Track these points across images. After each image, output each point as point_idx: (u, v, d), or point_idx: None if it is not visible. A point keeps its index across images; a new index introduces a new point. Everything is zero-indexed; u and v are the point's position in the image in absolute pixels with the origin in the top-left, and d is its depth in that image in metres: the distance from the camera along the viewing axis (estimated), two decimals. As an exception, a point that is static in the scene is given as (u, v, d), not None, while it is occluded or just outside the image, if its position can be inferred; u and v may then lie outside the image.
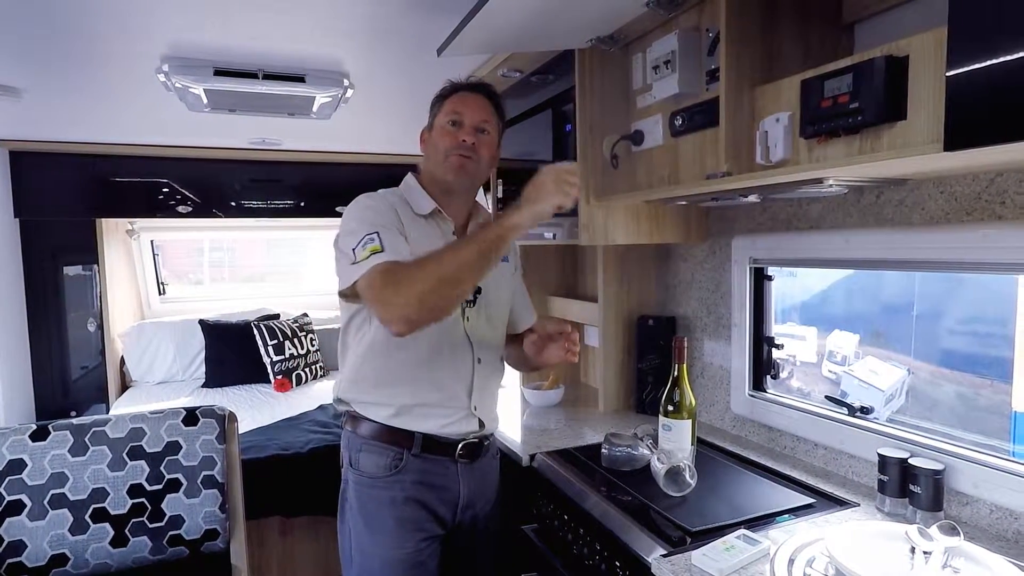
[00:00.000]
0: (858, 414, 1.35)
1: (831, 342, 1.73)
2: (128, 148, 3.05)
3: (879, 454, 1.19)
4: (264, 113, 2.24)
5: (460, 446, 1.34)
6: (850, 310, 1.71)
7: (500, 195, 2.13)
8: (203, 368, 3.58)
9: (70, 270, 3.20)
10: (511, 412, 2.06)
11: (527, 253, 2.28)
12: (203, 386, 3.47)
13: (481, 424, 1.38)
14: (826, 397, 1.45)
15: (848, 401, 1.39)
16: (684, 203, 1.52)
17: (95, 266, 3.24)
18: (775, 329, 1.63)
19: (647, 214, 1.61)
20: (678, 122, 1.38)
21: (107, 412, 3.18)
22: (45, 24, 1.50)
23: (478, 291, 1.37)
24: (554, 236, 1.76)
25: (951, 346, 1.46)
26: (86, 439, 1.64)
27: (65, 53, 1.70)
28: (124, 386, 3.59)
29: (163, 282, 4.17)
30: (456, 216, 1.38)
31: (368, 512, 1.33)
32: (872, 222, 1.28)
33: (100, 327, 3.29)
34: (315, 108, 2.17)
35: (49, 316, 3.13)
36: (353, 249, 1.19)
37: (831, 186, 1.08)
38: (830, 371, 1.73)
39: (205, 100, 2.02)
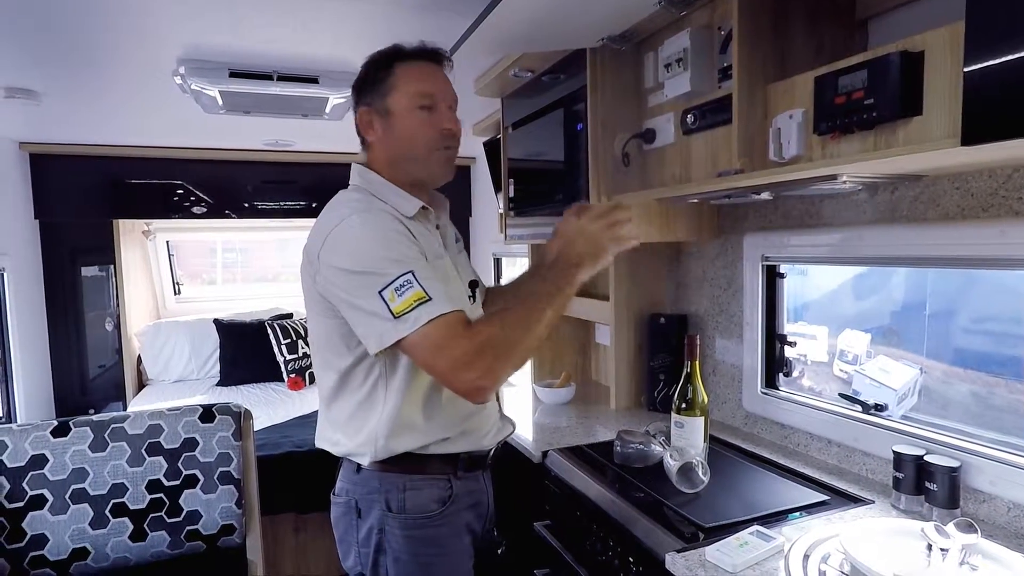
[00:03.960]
0: (872, 411, 1.35)
1: (842, 341, 1.72)
2: (144, 150, 3.10)
3: (894, 451, 1.18)
4: (278, 114, 2.27)
5: (490, 456, 1.26)
6: (862, 309, 1.70)
7: (512, 195, 2.13)
8: (218, 367, 3.62)
9: (88, 271, 3.25)
10: (523, 410, 2.06)
11: (538, 251, 2.29)
12: (218, 384, 3.52)
13: (512, 425, 1.33)
14: (840, 395, 1.44)
15: (862, 398, 1.38)
16: (696, 201, 1.52)
17: (112, 266, 3.29)
18: (786, 328, 1.63)
19: (658, 212, 1.61)
20: (690, 120, 1.38)
21: (124, 410, 3.23)
22: (61, 27, 1.53)
23: (475, 284, 1.28)
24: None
25: (964, 345, 1.45)
26: (106, 435, 1.67)
27: (82, 56, 1.74)
28: (141, 384, 3.65)
29: (178, 282, 4.23)
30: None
31: (422, 556, 1.15)
32: (886, 219, 1.28)
33: (117, 326, 3.34)
34: (328, 109, 2.19)
35: (68, 316, 3.19)
36: (381, 293, 0.98)
37: (845, 183, 1.08)
38: (841, 370, 1.72)
39: (220, 102, 2.05)
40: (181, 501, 1.71)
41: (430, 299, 0.97)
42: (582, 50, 1.60)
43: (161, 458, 1.71)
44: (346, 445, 1.16)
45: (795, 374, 1.63)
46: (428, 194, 1.23)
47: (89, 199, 3.14)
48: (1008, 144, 0.73)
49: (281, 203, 3.48)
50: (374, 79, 1.16)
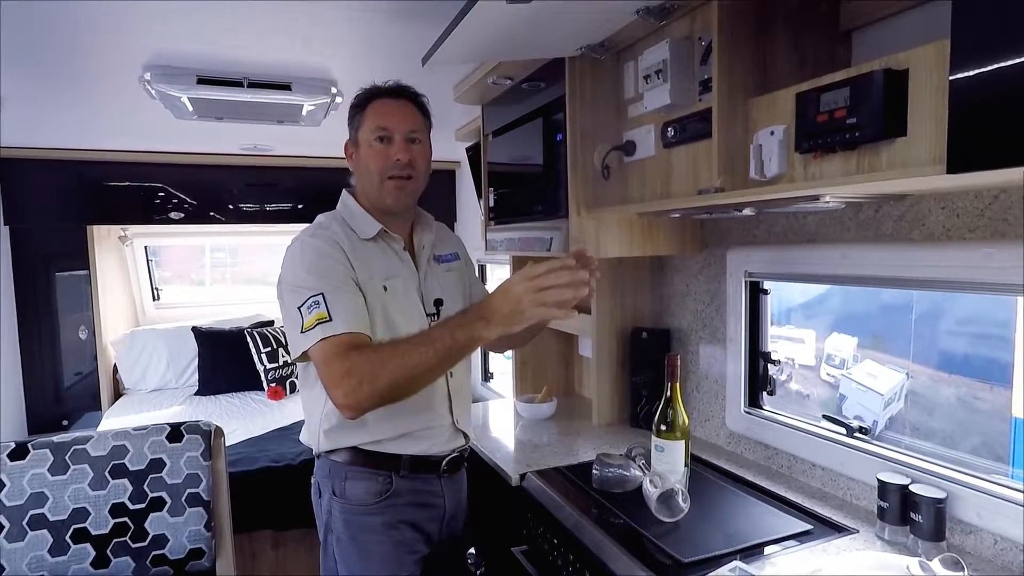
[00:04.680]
0: (856, 434, 1.31)
1: (829, 345, 1.69)
2: (121, 154, 3.02)
3: (879, 480, 1.14)
4: (252, 121, 2.21)
5: (445, 462, 1.33)
6: (848, 312, 1.67)
7: (492, 203, 2.08)
8: (196, 376, 3.54)
9: (61, 277, 3.17)
10: (503, 426, 2.02)
11: (520, 264, 2.24)
12: (196, 394, 3.44)
13: (465, 437, 1.38)
14: (823, 416, 1.40)
15: (846, 420, 1.34)
16: (678, 215, 1.48)
17: (87, 273, 3.21)
18: (773, 331, 1.59)
19: (640, 226, 1.57)
20: (670, 133, 1.34)
21: (100, 420, 3.15)
22: (23, 30, 1.46)
23: (440, 303, 1.33)
24: (548, 248, 1.71)
25: (950, 349, 1.42)
26: (66, 457, 1.60)
27: (46, 60, 1.66)
28: (117, 394, 3.56)
29: (157, 287, 4.14)
30: (401, 231, 1.33)
31: (360, 541, 1.28)
32: (870, 237, 1.24)
33: (92, 334, 3.26)
34: (303, 115, 2.13)
35: (40, 324, 3.10)
36: (299, 308, 1.13)
37: (828, 202, 1.04)
38: (828, 374, 1.70)
39: (191, 108, 1.99)
40: (147, 525, 1.64)
41: (330, 320, 1.11)
42: (562, 59, 1.55)
43: (126, 480, 1.64)
44: (306, 435, 1.36)
45: (782, 378, 1.60)
46: (403, 217, 1.34)
47: (63, 204, 3.06)
48: (993, 172, 0.69)
49: (266, 206, 3.42)
50: (353, 116, 1.31)
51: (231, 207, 3.34)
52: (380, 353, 1.08)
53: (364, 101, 1.29)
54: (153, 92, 1.81)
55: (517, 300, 1.00)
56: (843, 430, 1.33)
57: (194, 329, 3.57)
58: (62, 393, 3.21)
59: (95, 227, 3.22)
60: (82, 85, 1.89)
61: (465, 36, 1.28)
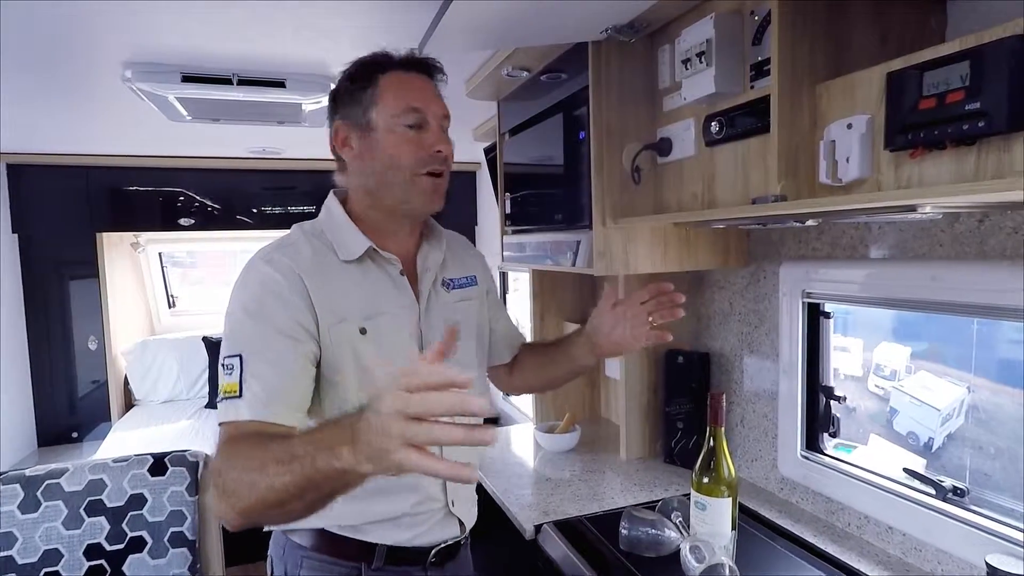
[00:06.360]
0: (950, 497, 1.06)
1: (879, 355, 1.48)
2: (132, 159, 2.93)
3: (988, 564, 0.90)
4: (251, 122, 2.05)
5: (432, 553, 1.06)
6: (900, 317, 1.44)
7: (508, 211, 1.88)
8: (208, 387, 3.43)
9: (71, 286, 3.09)
10: (520, 459, 1.81)
11: (540, 276, 2.04)
12: (207, 406, 3.33)
13: (461, 527, 1.10)
14: (905, 470, 1.16)
15: (936, 479, 1.10)
16: (722, 225, 1.25)
17: (97, 281, 3.12)
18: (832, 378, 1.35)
19: (676, 237, 1.35)
20: (714, 128, 1.11)
21: (110, 432, 3.06)
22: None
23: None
24: (572, 261, 1.50)
25: (1018, 359, 1.18)
26: (38, 493, 1.46)
27: (25, 59, 1.53)
28: (128, 404, 3.48)
29: (173, 295, 4.07)
30: (401, 248, 1.05)
31: None
32: (970, 254, 0.99)
33: (103, 344, 3.17)
34: (304, 115, 1.96)
35: (51, 333, 3.04)
36: (222, 363, 0.89)
37: (925, 212, 0.81)
38: (877, 386, 1.49)
39: (182, 109, 1.84)
40: (125, 568, 1.49)
41: (239, 396, 0.86)
42: (585, 44, 1.34)
43: (103, 518, 1.49)
44: None
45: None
46: (411, 226, 1.08)
47: (74, 211, 2.99)
48: None
49: (288, 208, 3.31)
50: (354, 89, 1.00)
51: (255, 211, 3.24)
52: (235, 463, 0.77)
53: (375, 71, 0.99)
54: (138, 92, 1.66)
55: (385, 429, 0.59)
56: (932, 490, 1.09)
57: (205, 339, 3.46)
58: (75, 403, 3.14)
59: (106, 234, 3.14)
60: (67, 86, 1.76)
61: (462, 19, 1.08)
